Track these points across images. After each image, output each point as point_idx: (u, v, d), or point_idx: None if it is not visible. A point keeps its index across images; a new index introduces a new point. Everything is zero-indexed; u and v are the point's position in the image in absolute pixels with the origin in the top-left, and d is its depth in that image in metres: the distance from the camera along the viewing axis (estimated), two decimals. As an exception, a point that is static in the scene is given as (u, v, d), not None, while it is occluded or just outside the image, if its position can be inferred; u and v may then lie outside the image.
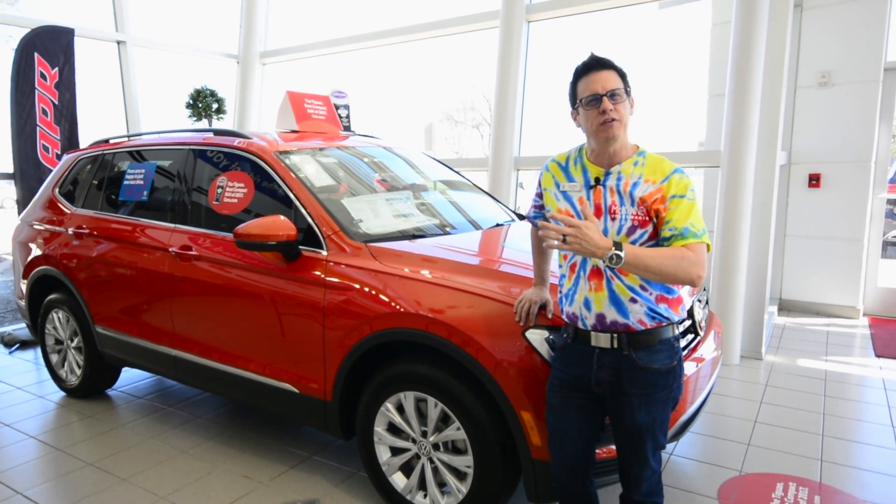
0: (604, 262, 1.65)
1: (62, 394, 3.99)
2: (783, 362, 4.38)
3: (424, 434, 2.36)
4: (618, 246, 1.62)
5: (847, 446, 3.12)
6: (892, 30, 5.14)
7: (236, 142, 3.11)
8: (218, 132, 3.34)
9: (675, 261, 1.65)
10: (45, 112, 5.42)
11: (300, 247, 2.64)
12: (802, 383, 3.96)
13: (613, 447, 1.94)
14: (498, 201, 3.77)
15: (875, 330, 5.14)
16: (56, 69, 5.45)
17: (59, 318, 3.90)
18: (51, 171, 5.28)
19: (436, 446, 2.34)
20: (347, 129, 4.12)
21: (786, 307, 5.79)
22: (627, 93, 1.75)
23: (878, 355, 4.51)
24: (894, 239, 8.98)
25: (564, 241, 1.60)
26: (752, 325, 4.48)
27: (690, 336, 2.49)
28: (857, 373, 4.17)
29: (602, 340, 1.77)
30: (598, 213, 1.76)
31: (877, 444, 3.13)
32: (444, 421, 2.30)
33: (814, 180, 5.48)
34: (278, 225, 2.55)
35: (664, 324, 1.77)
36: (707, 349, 2.56)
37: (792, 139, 5.54)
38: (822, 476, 2.82)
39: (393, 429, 2.46)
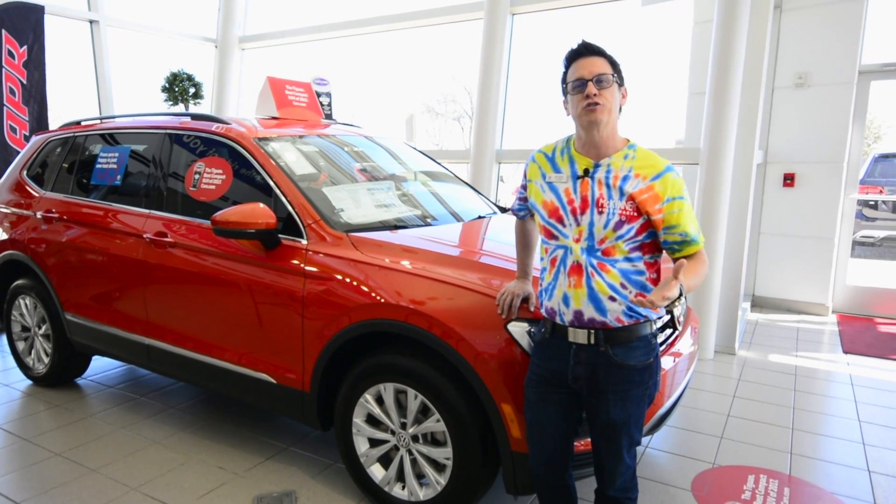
0: (668, 308, 1.60)
1: (28, 382, 3.88)
2: (755, 357, 4.47)
3: (404, 426, 2.35)
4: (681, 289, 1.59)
5: (816, 440, 3.20)
6: (868, 33, 5.25)
7: (214, 127, 3.03)
8: (195, 117, 3.26)
9: (704, 273, 1.77)
10: (12, 91, 5.24)
11: (280, 235, 2.60)
12: (773, 378, 4.05)
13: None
14: (480, 193, 3.76)
15: (843, 327, 5.27)
16: (25, 47, 5.27)
17: (26, 304, 3.78)
18: (18, 152, 5.11)
19: (415, 438, 2.33)
20: (329, 117, 4.06)
21: (758, 304, 5.91)
22: (618, 82, 1.73)
23: (845, 351, 4.63)
24: (863, 239, 9.23)
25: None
26: (727, 320, 4.56)
27: (669, 331, 2.51)
28: (826, 368, 4.28)
29: (579, 336, 1.76)
30: (584, 205, 1.73)
31: (844, 438, 3.22)
32: (423, 413, 2.29)
33: (788, 179, 5.58)
34: (258, 213, 2.50)
35: (641, 321, 1.77)
36: (684, 344, 2.59)
37: (768, 138, 5.63)
38: (792, 468, 2.88)
39: (372, 420, 2.44)
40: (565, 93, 1.77)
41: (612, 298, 1.72)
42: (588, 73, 1.69)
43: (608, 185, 1.71)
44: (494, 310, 2.09)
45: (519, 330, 2.05)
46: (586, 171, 1.75)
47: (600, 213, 1.71)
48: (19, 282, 3.78)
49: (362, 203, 2.94)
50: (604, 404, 1.77)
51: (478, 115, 5.67)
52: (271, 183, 2.72)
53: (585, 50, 1.72)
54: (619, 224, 1.70)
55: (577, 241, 1.74)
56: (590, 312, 1.73)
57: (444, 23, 6.22)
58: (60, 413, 3.44)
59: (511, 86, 5.80)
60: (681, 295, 1.56)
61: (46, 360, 3.74)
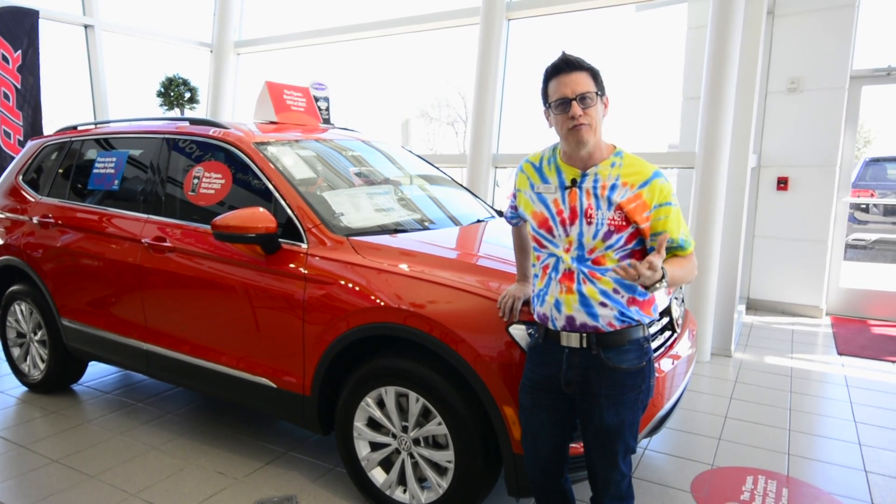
0: (650, 289, 1.62)
1: (24, 389, 3.85)
2: (751, 359, 4.50)
3: (405, 429, 2.35)
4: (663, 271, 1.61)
5: (812, 440, 3.22)
6: (859, 39, 5.31)
7: (212, 131, 3.04)
8: (193, 121, 3.26)
9: (691, 272, 1.80)
10: (6, 96, 5.22)
11: (280, 239, 2.60)
12: (769, 380, 4.08)
13: None
14: (477, 197, 3.77)
15: (837, 329, 5.31)
16: (19, 52, 5.25)
17: (21, 310, 3.76)
18: (12, 157, 5.09)
19: (416, 441, 2.33)
20: (327, 121, 4.06)
21: (753, 306, 5.94)
22: (600, 94, 1.70)
23: (839, 353, 4.67)
24: (855, 242, 9.32)
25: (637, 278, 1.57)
26: (723, 323, 4.59)
27: (668, 333, 2.53)
28: (821, 370, 4.31)
29: (572, 340, 1.76)
30: (573, 215, 1.72)
31: (840, 439, 3.24)
32: (424, 416, 2.30)
33: (782, 183, 5.62)
34: (258, 217, 2.50)
35: (633, 325, 1.76)
36: (683, 347, 2.60)
37: (762, 143, 5.68)
38: (790, 469, 2.90)
39: (373, 424, 2.44)
40: (546, 105, 1.75)
41: (603, 304, 1.72)
42: (571, 92, 1.66)
43: (596, 196, 1.71)
44: (495, 312, 2.10)
45: (520, 332, 2.06)
46: (574, 182, 1.74)
47: (589, 223, 1.71)
48: (15, 287, 3.76)
49: (362, 207, 2.95)
50: (596, 409, 1.76)
51: (474, 120, 5.69)
52: (271, 187, 2.72)
53: (566, 65, 1.68)
54: (608, 234, 1.70)
55: (567, 251, 1.74)
56: (581, 318, 1.73)
57: (441, 28, 6.24)
58: (57, 419, 3.41)
59: (507, 90, 5.83)
60: (663, 277, 1.59)
61: (42, 366, 3.71)
